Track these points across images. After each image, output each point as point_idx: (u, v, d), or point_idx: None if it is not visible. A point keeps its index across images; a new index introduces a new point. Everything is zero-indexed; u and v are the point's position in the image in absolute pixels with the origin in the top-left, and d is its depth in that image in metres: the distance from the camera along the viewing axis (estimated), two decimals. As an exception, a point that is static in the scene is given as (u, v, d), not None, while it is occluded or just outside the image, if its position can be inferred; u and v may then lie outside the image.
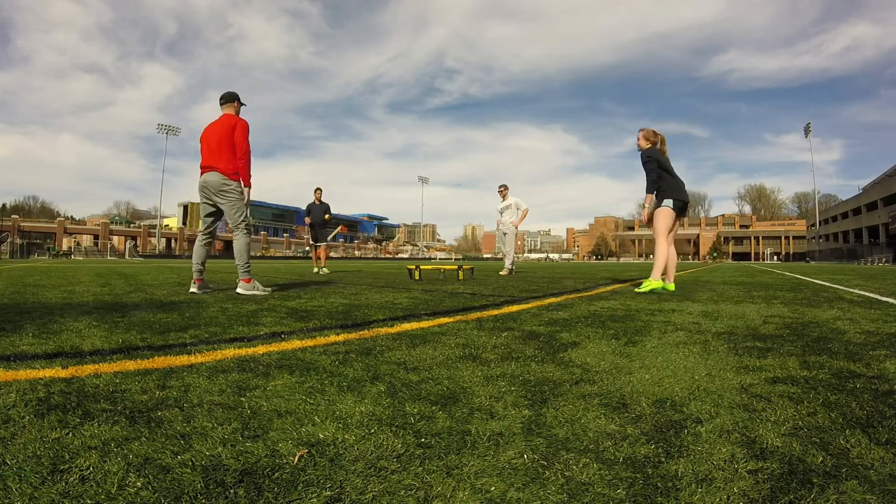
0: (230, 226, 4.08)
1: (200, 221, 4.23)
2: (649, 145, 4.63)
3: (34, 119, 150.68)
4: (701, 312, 2.89)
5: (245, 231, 4.06)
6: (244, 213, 4.08)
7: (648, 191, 4.56)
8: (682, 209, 4.55)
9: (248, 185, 4.03)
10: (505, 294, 4.11)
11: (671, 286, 4.55)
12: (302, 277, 6.90)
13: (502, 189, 9.05)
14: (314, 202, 9.48)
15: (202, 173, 4.04)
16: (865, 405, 1.11)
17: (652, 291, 4.35)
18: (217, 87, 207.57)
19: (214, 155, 3.97)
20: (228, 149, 3.96)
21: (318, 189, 9.52)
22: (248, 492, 0.70)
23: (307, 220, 9.51)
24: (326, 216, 9.48)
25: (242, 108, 4.25)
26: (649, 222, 4.68)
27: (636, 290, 4.56)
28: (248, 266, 3.99)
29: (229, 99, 4.16)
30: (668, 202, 4.50)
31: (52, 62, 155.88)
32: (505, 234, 8.88)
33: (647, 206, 4.60)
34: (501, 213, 8.99)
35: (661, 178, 4.50)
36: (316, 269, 9.06)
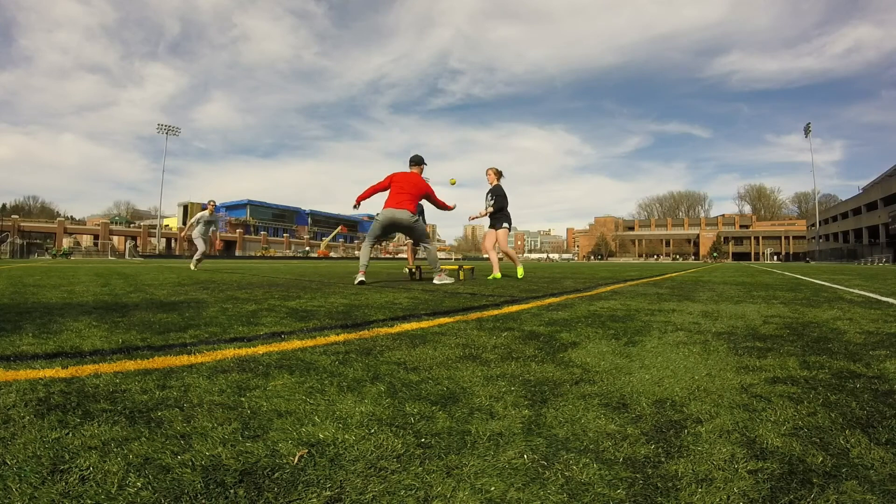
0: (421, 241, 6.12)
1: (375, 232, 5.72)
2: (497, 181, 6.68)
3: (36, 119, 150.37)
4: (701, 312, 2.89)
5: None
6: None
7: (494, 211, 6.62)
8: (509, 229, 6.89)
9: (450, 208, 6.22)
10: (505, 294, 4.11)
11: (499, 275, 6.63)
12: (302, 278, 6.90)
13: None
14: None
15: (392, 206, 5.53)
16: (865, 405, 1.11)
17: (496, 279, 6.24)
18: (221, 87, 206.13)
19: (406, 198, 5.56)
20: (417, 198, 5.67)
21: None
22: (248, 492, 0.70)
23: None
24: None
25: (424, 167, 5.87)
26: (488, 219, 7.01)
27: (488, 278, 6.35)
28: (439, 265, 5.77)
29: (417, 162, 5.77)
30: (506, 225, 6.74)
31: (55, 62, 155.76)
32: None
33: (482, 214, 6.80)
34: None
35: (504, 208, 6.70)
36: (408, 269, 8.60)
